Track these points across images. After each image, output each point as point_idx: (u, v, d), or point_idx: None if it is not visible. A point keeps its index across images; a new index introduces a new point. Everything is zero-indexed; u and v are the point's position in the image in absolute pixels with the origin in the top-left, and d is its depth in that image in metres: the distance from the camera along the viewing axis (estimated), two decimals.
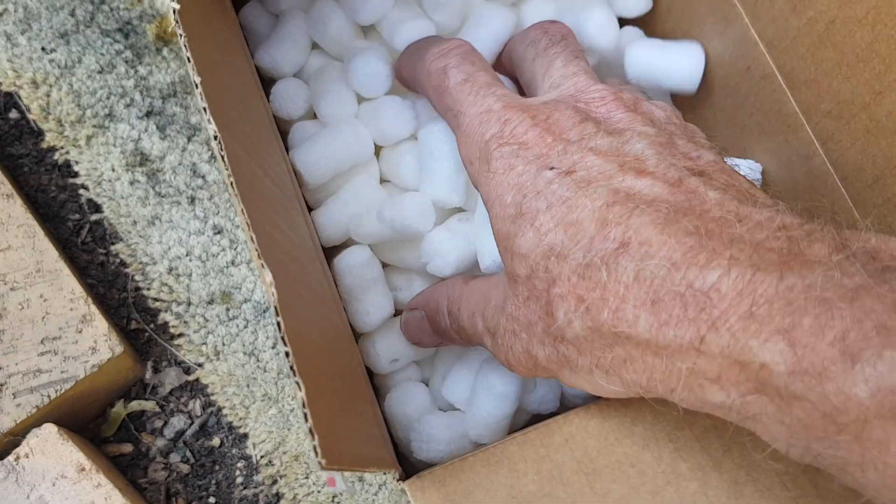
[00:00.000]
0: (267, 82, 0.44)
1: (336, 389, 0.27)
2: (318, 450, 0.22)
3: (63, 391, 0.41)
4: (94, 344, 0.42)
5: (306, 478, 0.43)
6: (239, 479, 0.43)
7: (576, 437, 0.29)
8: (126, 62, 0.47)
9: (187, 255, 0.45)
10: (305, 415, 0.23)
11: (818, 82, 0.33)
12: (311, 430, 0.22)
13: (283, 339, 0.24)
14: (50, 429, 0.41)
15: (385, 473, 0.31)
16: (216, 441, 0.44)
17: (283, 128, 0.44)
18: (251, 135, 0.33)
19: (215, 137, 0.27)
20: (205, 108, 0.28)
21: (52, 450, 0.40)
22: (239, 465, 0.43)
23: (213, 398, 0.44)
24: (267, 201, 0.31)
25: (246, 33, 0.45)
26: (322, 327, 0.30)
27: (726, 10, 0.38)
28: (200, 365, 0.44)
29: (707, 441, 0.28)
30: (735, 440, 0.28)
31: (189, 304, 0.44)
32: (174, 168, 0.46)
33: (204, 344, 0.44)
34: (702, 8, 0.40)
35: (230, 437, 0.44)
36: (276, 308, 0.24)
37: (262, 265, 0.25)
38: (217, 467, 0.43)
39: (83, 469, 0.40)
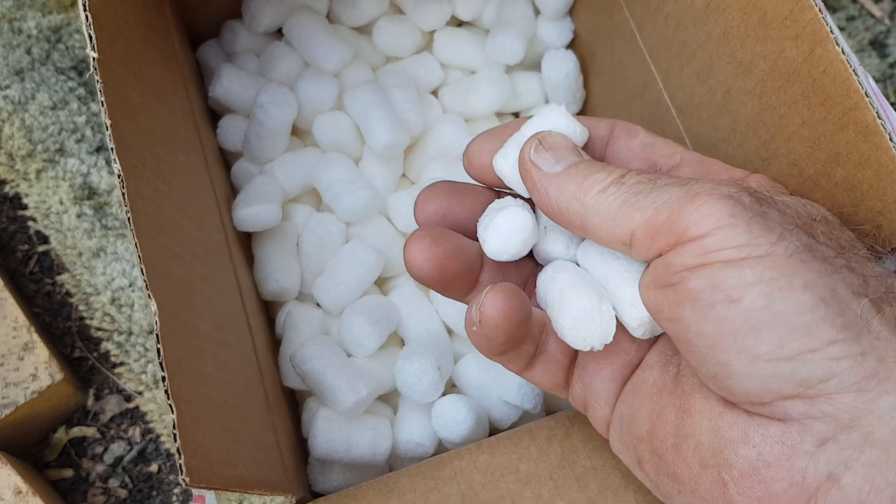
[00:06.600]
0: (220, 116, 0.45)
1: (222, 416, 0.28)
2: (183, 468, 0.23)
3: (3, 416, 0.42)
4: (34, 371, 0.43)
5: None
6: None
7: (464, 472, 0.30)
8: (79, 99, 0.48)
9: (130, 286, 0.46)
10: (175, 435, 0.24)
11: (717, 147, 0.34)
12: (178, 450, 0.24)
13: (161, 364, 0.25)
14: None
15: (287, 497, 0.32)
16: (154, 467, 0.45)
17: (230, 160, 0.45)
18: (170, 176, 0.35)
19: (119, 176, 0.29)
20: (112, 149, 0.29)
21: None
22: (175, 490, 0.44)
23: (151, 426, 0.45)
24: (173, 237, 0.32)
25: (202, 70, 0.47)
26: (220, 358, 0.31)
27: (644, 73, 0.39)
28: (140, 393, 0.45)
29: (585, 481, 0.29)
30: (610, 483, 0.29)
31: (130, 333, 0.46)
32: (121, 202, 0.47)
33: (144, 373, 0.45)
34: (625, 70, 0.41)
35: (167, 464, 0.45)
36: (157, 336, 0.25)
37: (150, 296, 0.26)
38: (154, 493, 0.44)
39: (20, 492, 0.41)
